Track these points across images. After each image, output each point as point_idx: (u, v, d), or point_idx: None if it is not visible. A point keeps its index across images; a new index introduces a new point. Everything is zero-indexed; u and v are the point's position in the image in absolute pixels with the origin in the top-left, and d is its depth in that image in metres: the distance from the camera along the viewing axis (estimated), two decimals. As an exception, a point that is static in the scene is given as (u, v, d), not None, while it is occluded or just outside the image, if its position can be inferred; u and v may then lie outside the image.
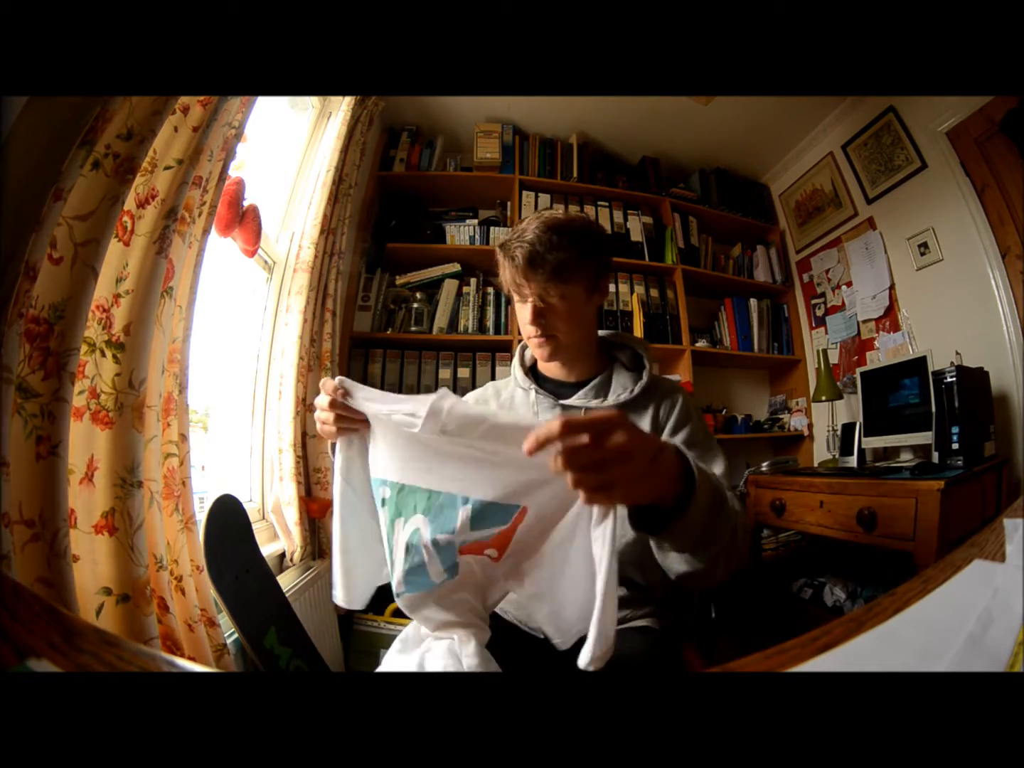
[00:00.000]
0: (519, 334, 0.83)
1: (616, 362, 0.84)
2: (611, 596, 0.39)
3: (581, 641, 0.39)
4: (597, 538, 0.41)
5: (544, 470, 0.41)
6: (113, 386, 0.71)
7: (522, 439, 0.41)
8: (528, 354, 0.90)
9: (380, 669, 0.59)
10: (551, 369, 0.86)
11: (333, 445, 0.62)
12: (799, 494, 1.67)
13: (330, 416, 0.56)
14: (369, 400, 0.54)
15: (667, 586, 0.77)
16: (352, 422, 0.57)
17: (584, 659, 0.38)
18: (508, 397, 0.88)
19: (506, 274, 0.77)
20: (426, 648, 0.56)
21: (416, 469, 0.53)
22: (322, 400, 0.57)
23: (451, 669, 0.50)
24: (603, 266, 0.81)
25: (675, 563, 0.57)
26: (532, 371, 0.89)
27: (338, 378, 0.56)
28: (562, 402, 0.80)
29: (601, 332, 0.87)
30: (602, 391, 0.80)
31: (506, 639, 0.73)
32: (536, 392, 0.82)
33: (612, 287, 2.18)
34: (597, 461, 0.39)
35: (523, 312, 0.76)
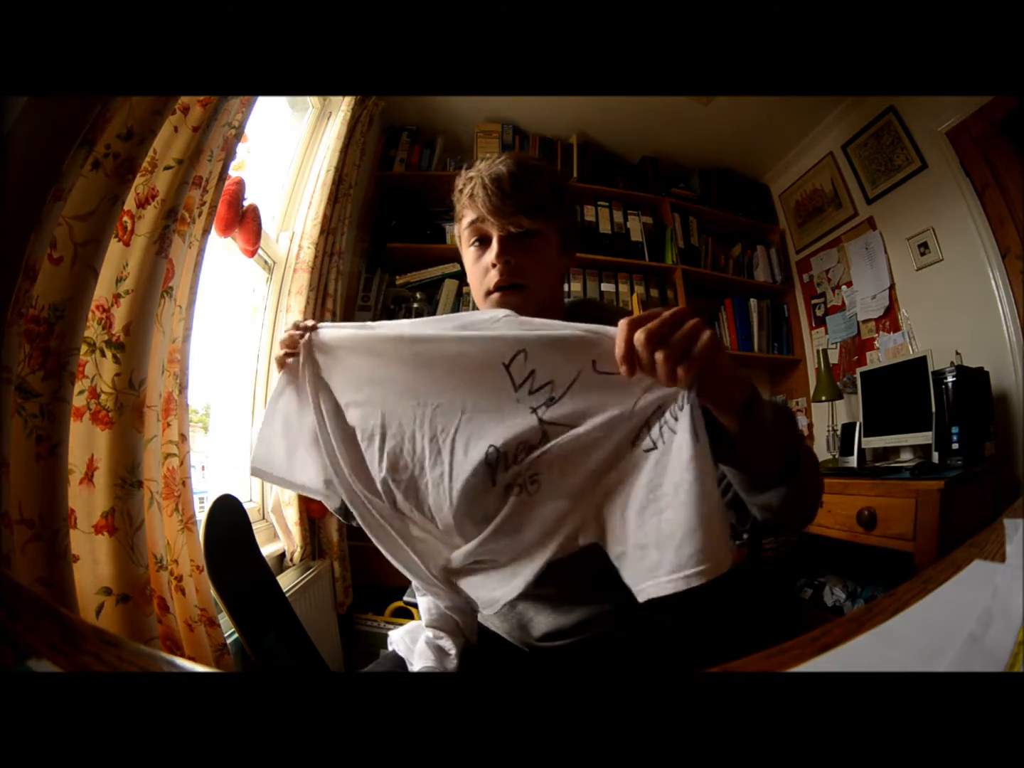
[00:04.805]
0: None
1: None
2: (710, 486, 0.40)
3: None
4: (682, 426, 0.42)
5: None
6: (113, 386, 0.71)
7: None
8: None
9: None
10: None
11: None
12: (799, 494, 1.67)
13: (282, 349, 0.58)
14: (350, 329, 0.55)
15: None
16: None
17: (683, 568, 0.39)
18: None
19: (467, 212, 0.66)
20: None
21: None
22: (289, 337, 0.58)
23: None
24: (575, 225, 0.72)
25: (768, 496, 0.53)
26: None
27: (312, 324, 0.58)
28: None
29: (567, 300, 0.76)
30: None
31: (494, 651, 0.70)
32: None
33: (612, 287, 2.18)
34: (674, 334, 0.42)
35: (487, 255, 0.64)
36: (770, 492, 0.53)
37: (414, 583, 0.61)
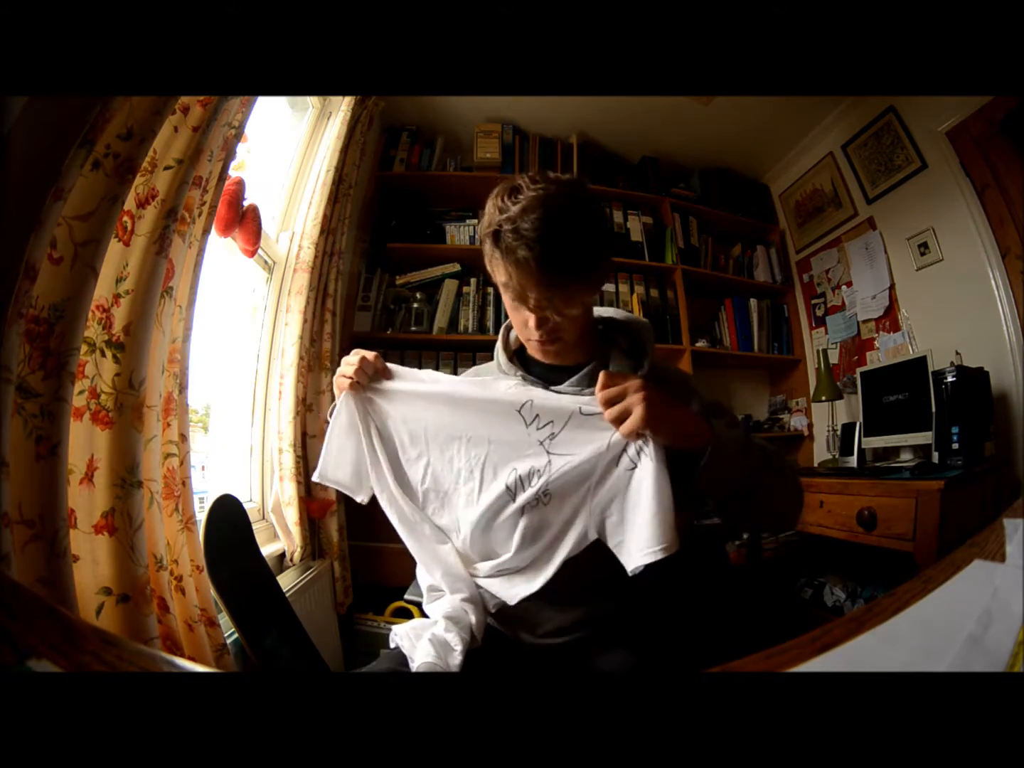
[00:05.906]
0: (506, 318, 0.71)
1: (614, 347, 0.76)
2: (664, 492, 0.59)
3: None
4: (648, 454, 0.60)
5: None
6: (113, 386, 0.71)
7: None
8: (513, 336, 0.80)
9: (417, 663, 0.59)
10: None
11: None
12: (799, 494, 1.67)
13: (352, 375, 0.70)
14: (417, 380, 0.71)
15: (658, 597, 0.76)
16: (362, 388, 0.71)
17: (652, 547, 0.57)
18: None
19: (499, 271, 0.66)
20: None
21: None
22: (354, 359, 0.70)
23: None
24: (610, 259, 0.75)
25: (733, 514, 0.67)
26: (518, 354, 0.80)
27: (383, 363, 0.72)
28: (552, 388, 0.71)
29: (598, 310, 0.79)
30: (596, 379, 0.67)
31: (495, 648, 0.71)
32: (524, 380, 0.73)
33: (612, 287, 2.18)
34: (621, 401, 0.60)
35: (521, 313, 0.67)
36: (735, 512, 0.66)
37: (430, 584, 0.70)
